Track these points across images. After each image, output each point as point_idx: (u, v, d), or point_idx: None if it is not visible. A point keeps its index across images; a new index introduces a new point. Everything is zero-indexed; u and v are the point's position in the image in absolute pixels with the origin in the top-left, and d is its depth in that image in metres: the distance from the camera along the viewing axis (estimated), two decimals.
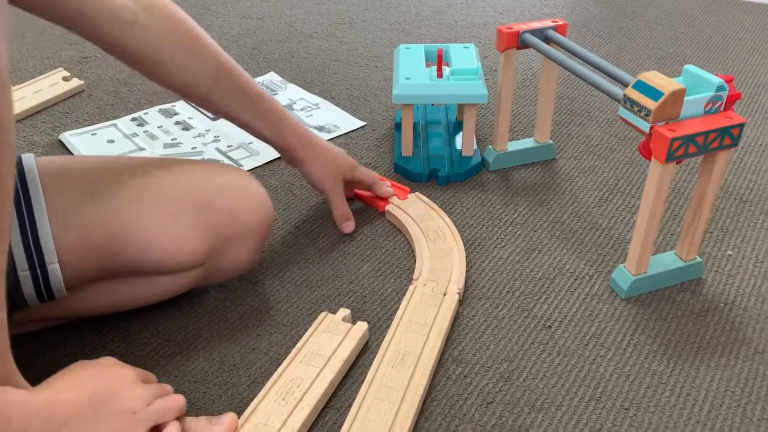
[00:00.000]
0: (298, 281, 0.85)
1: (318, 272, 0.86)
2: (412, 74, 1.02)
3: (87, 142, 1.13)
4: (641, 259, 0.80)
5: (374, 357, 0.72)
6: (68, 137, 1.14)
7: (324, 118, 1.21)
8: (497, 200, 0.99)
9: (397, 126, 1.14)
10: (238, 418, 0.65)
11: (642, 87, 0.73)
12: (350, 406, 0.67)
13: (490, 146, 1.07)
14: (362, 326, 0.75)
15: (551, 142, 1.08)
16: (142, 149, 1.12)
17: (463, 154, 1.07)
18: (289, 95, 1.29)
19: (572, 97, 1.27)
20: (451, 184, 1.03)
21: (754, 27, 1.56)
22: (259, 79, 1.35)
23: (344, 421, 0.65)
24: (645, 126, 0.72)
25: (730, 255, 0.88)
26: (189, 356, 0.75)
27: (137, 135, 1.16)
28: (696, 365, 0.73)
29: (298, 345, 0.73)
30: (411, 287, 0.81)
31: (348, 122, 1.20)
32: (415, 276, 0.83)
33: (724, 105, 0.74)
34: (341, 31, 1.58)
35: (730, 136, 0.73)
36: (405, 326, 0.75)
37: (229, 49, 1.48)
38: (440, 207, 0.97)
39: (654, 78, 0.72)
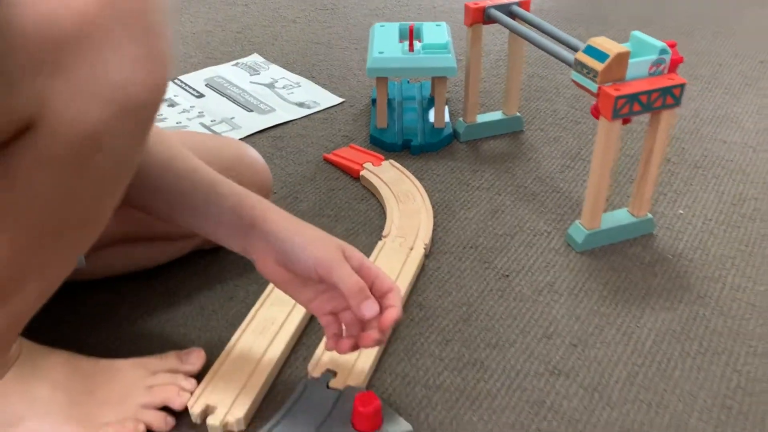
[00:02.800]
0: None
1: None
2: (385, 49, 1.08)
3: None
4: (594, 213, 0.85)
5: None
6: None
7: (304, 96, 1.26)
8: (466, 168, 1.05)
9: (374, 102, 1.19)
10: (219, 355, 0.70)
11: (591, 51, 0.78)
12: (319, 343, 0.73)
13: (461, 118, 1.13)
14: None
15: (519, 114, 1.14)
16: None
17: (435, 126, 1.12)
18: (271, 75, 1.34)
19: (542, 75, 1.33)
20: (424, 154, 1.09)
21: (719, 11, 1.62)
22: (242, 60, 1.40)
23: (314, 354, 0.71)
24: (593, 87, 0.78)
25: (681, 214, 0.94)
26: (171, 303, 0.80)
27: None
28: (642, 308, 0.79)
29: (267, 290, 0.78)
30: (380, 242, 0.87)
31: (327, 99, 1.25)
32: (384, 232, 0.89)
33: (667, 68, 0.80)
34: (323, 17, 1.63)
35: (672, 96, 0.79)
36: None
37: (215, 34, 1.54)
38: (412, 173, 1.03)
39: (602, 42, 0.78)
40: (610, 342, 0.74)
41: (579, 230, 0.87)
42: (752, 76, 1.31)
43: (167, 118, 1.19)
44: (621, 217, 0.89)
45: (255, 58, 1.41)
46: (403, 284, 0.80)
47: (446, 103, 1.20)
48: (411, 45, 1.06)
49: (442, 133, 1.11)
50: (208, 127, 1.16)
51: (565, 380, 0.70)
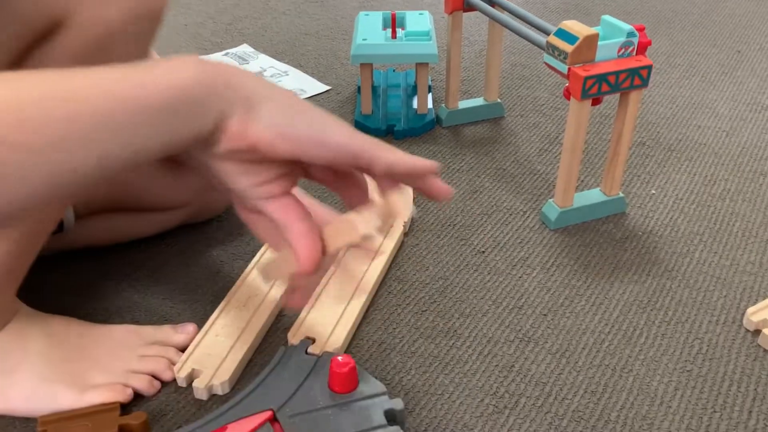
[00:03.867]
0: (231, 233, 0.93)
1: None
2: (369, 36, 1.11)
3: None
4: (566, 192, 0.89)
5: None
6: None
7: (292, 84, 1.29)
8: (447, 151, 1.08)
9: (359, 89, 1.22)
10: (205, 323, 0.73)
11: (562, 34, 0.82)
12: (299, 314, 0.76)
13: (443, 104, 1.16)
14: None
15: (499, 101, 1.17)
16: None
17: (419, 112, 1.15)
18: (260, 64, 1.37)
19: (525, 64, 1.36)
20: (407, 139, 1.12)
21: (701, 3, 1.65)
22: (231, 50, 1.43)
23: (294, 323, 0.74)
24: (563, 68, 0.81)
25: (653, 194, 0.97)
26: (158, 279, 0.83)
27: None
28: (611, 281, 0.82)
29: (251, 263, 0.81)
30: (353, 215, 0.90)
31: (314, 87, 1.28)
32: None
33: (635, 50, 0.83)
34: (313, 9, 1.66)
35: (639, 77, 0.82)
36: (352, 252, 0.84)
37: (206, 25, 1.57)
38: None
39: (572, 26, 0.81)
40: (579, 312, 0.78)
41: (552, 208, 0.91)
42: (729, 65, 1.34)
43: None
44: (593, 196, 0.92)
45: (245, 48, 1.44)
46: (382, 259, 0.83)
47: (430, 90, 1.23)
48: (394, 32, 1.09)
49: (425, 118, 1.14)
50: None
51: (534, 346, 0.73)
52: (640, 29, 0.83)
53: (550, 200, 0.92)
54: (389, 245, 0.85)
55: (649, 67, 0.82)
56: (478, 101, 1.17)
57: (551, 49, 0.83)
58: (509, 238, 0.89)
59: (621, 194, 0.93)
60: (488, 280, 0.82)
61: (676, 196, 0.97)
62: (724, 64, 1.35)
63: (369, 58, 1.09)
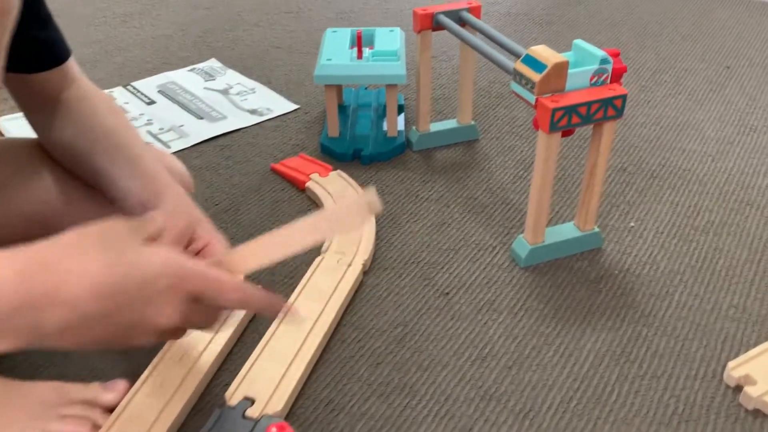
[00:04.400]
0: None
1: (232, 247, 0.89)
2: (334, 55, 1.05)
3: (23, 128, 1.15)
4: (537, 228, 0.83)
5: (270, 323, 0.74)
6: (3, 122, 1.16)
7: (258, 102, 1.23)
8: (416, 178, 1.02)
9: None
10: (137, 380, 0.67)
11: (530, 61, 0.76)
12: (241, 368, 0.70)
13: (414, 127, 1.10)
14: None
15: (473, 123, 1.11)
16: None
17: (388, 135, 1.09)
18: (226, 80, 1.31)
19: (503, 81, 1.30)
20: (375, 164, 1.06)
21: (689, 13, 1.59)
22: (198, 65, 1.37)
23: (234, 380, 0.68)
24: (531, 98, 0.75)
25: (632, 227, 0.91)
26: None
27: None
28: (583, 328, 0.76)
29: None
30: (318, 259, 0.84)
31: (281, 105, 1.22)
32: (323, 248, 0.86)
33: (609, 78, 0.77)
34: (287, 20, 1.60)
35: (613, 107, 0.76)
36: (305, 295, 0.78)
37: (174, 38, 1.51)
38: (360, 184, 1.00)
39: (541, 52, 0.75)
40: (547, 364, 0.72)
41: (522, 245, 0.84)
42: (717, 82, 1.28)
43: None
44: (567, 231, 0.86)
45: (212, 63, 1.38)
46: (336, 303, 0.77)
47: (402, 111, 1.17)
48: (359, 52, 1.03)
49: (395, 142, 1.08)
50: (155, 136, 1.13)
51: (496, 405, 0.67)
52: (615, 54, 0.77)
53: (521, 236, 0.86)
54: (345, 287, 0.79)
55: (623, 97, 0.76)
56: (450, 123, 1.11)
57: (518, 76, 0.77)
58: (476, 278, 0.83)
59: (596, 229, 0.86)
60: (451, 327, 0.76)
61: (657, 229, 0.91)
62: (712, 80, 1.29)
63: (333, 78, 1.02)
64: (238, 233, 0.91)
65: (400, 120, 1.14)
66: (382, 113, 1.16)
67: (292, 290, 0.80)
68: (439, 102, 1.23)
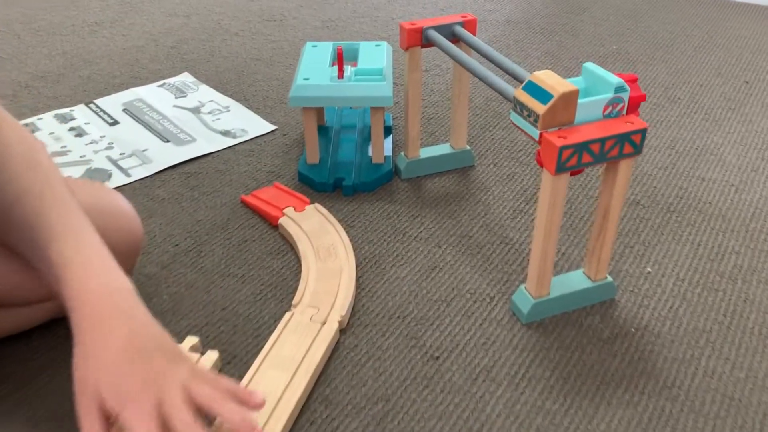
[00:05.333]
0: (166, 308, 0.76)
1: (191, 297, 0.77)
2: (312, 74, 0.93)
3: None
4: (541, 280, 0.71)
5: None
6: None
7: (231, 122, 1.12)
8: (404, 212, 0.91)
9: None
10: None
11: (533, 89, 0.64)
12: None
13: (402, 153, 0.98)
14: (211, 356, 0.66)
15: (468, 148, 1.00)
16: None
17: (374, 161, 0.98)
18: (199, 97, 1.20)
19: (501, 98, 1.19)
20: (358, 194, 0.94)
21: (702, 22, 1.48)
22: (169, 80, 1.25)
23: None
24: (535, 132, 0.64)
25: (649, 272, 0.80)
26: (38, 392, 0.66)
27: None
28: (596, 403, 0.65)
29: None
30: (288, 314, 0.72)
31: (257, 126, 1.11)
32: (295, 301, 0.74)
33: (626, 107, 0.66)
34: (270, 29, 1.49)
35: (630, 143, 0.65)
36: (270, 362, 0.66)
37: (146, 49, 1.39)
38: (341, 220, 0.89)
39: (546, 78, 0.64)
40: None
41: (525, 298, 0.73)
42: (736, 99, 1.17)
43: (72, 150, 1.04)
44: (575, 281, 0.75)
45: (184, 78, 1.27)
46: (306, 374, 0.65)
47: (389, 133, 1.06)
48: (340, 70, 0.92)
49: (381, 169, 0.97)
50: (115, 162, 1.01)
51: None
52: (632, 80, 0.66)
53: (522, 286, 0.74)
54: (317, 352, 0.68)
55: (643, 131, 0.64)
56: (443, 148, 1.00)
57: (519, 106, 0.65)
58: (471, 337, 0.72)
59: (609, 278, 0.75)
60: (441, 401, 0.65)
61: (677, 276, 0.80)
62: (730, 97, 1.18)
63: (310, 101, 0.91)
64: (197, 280, 0.79)
65: (388, 143, 1.02)
66: (367, 135, 1.05)
67: (258, 352, 0.69)
68: (431, 122, 1.12)
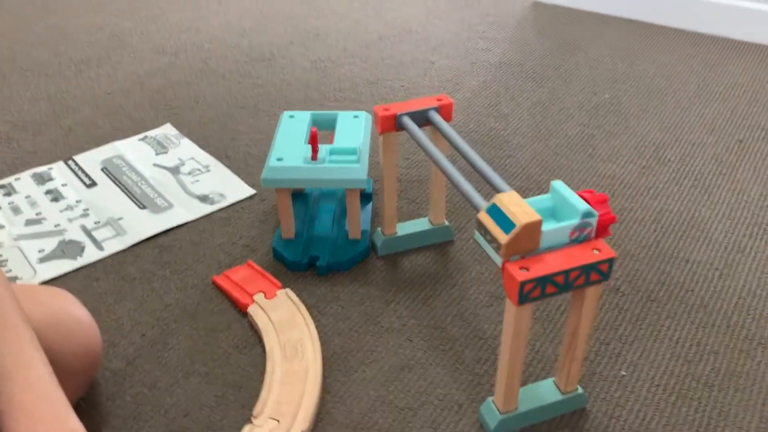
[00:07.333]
0: (128, 411, 0.75)
1: (154, 399, 0.76)
2: (286, 154, 0.91)
3: None
4: (507, 398, 0.69)
5: None
6: None
7: (210, 185, 1.10)
8: (378, 297, 0.89)
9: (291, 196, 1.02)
10: None
11: (496, 213, 0.62)
12: None
13: (379, 229, 0.96)
14: None
15: (447, 223, 0.97)
16: (0, 227, 1.01)
17: (350, 236, 0.96)
18: (179, 154, 1.18)
19: (487, 157, 1.17)
20: (333, 274, 0.93)
21: (699, 66, 1.44)
22: (151, 133, 1.24)
23: None
24: (497, 260, 0.62)
25: (624, 375, 0.78)
26: None
27: (0, 208, 1.05)
28: None
29: None
30: (247, 428, 0.71)
31: (236, 190, 1.09)
32: (255, 411, 0.73)
33: (594, 231, 0.64)
34: (258, 70, 1.47)
35: (597, 272, 0.62)
36: None
37: (133, 92, 1.38)
38: (313, 305, 0.87)
39: (509, 204, 0.62)
40: None
41: (492, 413, 0.71)
42: (728, 162, 1.14)
43: (46, 218, 1.03)
44: (545, 392, 0.73)
45: (167, 130, 1.25)
46: None
47: (370, 200, 1.04)
48: (314, 152, 0.90)
49: (357, 247, 0.95)
50: (88, 232, 1.00)
51: None
52: (602, 201, 0.64)
53: (489, 399, 0.72)
54: None
55: (610, 261, 0.62)
56: (422, 223, 0.98)
57: (482, 229, 0.63)
58: None
59: (579, 390, 0.73)
60: None
61: (652, 380, 0.77)
62: (722, 159, 1.15)
63: (285, 183, 0.89)
64: (161, 379, 0.78)
65: (366, 214, 1.00)
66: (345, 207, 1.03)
67: None
68: (414, 186, 1.09)
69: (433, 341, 0.83)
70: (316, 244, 0.95)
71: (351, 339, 0.83)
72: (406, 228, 0.97)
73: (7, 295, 0.60)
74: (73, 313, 0.70)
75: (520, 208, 0.61)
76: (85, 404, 0.75)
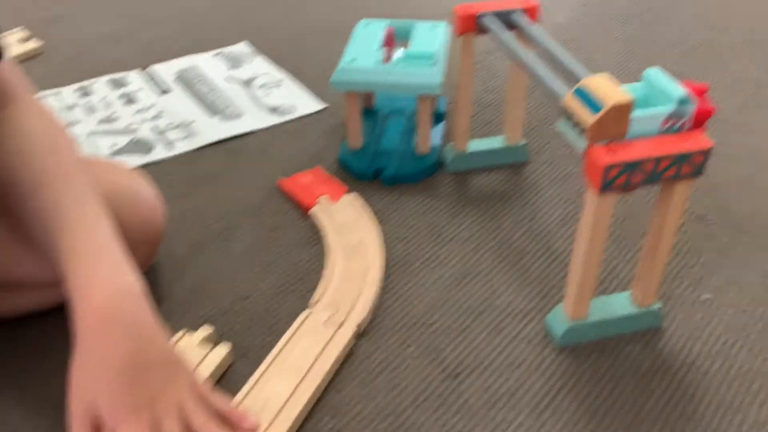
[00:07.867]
0: (187, 292, 0.74)
1: (214, 282, 0.76)
2: (360, 55, 0.89)
3: None
4: (579, 302, 0.65)
5: (232, 399, 0.61)
6: None
7: (281, 98, 1.09)
8: (444, 209, 0.86)
9: (361, 112, 1.00)
10: None
11: (583, 96, 0.58)
12: None
13: (450, 144, 0.93)
14: (221, 351, 0.64)
15: (523, 142, 0.93)
16: (76, 122, 1.03)
17: (418, 151, 0.93)
18: (253, 69, 1.17)
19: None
20: (399, 186, 0.90)
21: None
22: (226, 49, 1.23)
23: None
24: (581, 145, 0.58)
25: (707, 299, 0.72)
26: (36, 361, 0.66)
27: (77, 106, 1.07)
28: None
29: None
30: (304, 313, 0.69)
31: (307, 104, 1.07)
32: (313, 299, 0.71)
33: (691, 122, 0.58)
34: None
35: (691, 164, 0.57)
36: (278, 365, 0.64)
37: (210, 15, 1.38)
38: (377, 212, 0.84)
39: (598, 86, 0.57)
40: None
41: (560, 319, 0.67)
42: None
43: (120, 117, 1.04)
44: (619, 304, 0.68)
45: (242, 48, 1.24)
46: (314, 381, 0.62)
47: (442, 120, 1.00)
48: (389, 53, 0.87)
49: (425, 161, 0.91)
50: (161, 132, 1.00)
51: None
52: (700, 92, 0.58)
53: (559, 305, 0.68)
54: (329, 358, 0.65)
55: (706, 152, 0.57)
56: (496, 141, 0.93)
57: (567, 115, 0.59)
58: (497, 356, 0.67)
59: (656, 305, 0.68)
60: (453, 425, 0.61)
61: (738, 306, 0.72)
62: None
63: (354, 85, 0.87)
64: (226, 267, 0.78)
65: (437, 132, 0.97)
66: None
67: (269, 349, 0.66)
68: (489, 110, 1.05)
69: (499, 253, 0.79)
70: (382, 157, 0.92)
71: (413, 246, 0.80)
72: (479, 145, 0.93)
73: (78, 164, 0.60)
74: (138, 186, 0.70)
75: (609, 89, 0.56)
76: (146, 280, 0.75)
